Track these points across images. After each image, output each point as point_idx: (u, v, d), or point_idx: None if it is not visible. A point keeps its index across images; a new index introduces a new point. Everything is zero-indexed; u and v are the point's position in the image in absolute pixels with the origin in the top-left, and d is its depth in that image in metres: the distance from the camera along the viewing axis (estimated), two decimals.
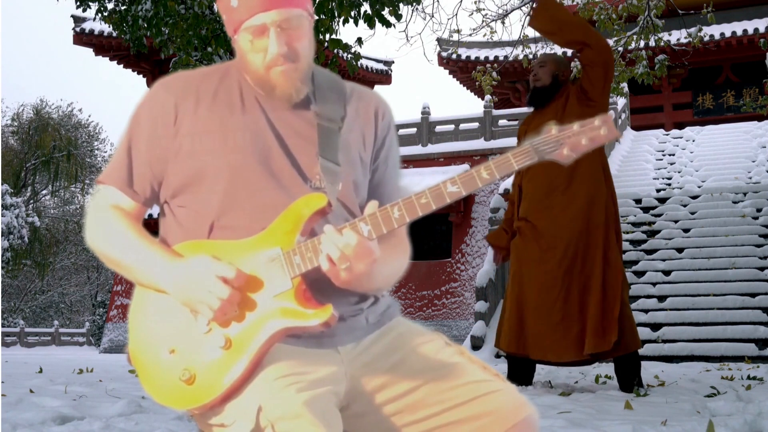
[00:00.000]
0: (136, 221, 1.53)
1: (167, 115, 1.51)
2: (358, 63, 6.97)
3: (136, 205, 1.54)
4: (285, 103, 1.52)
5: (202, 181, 1.48)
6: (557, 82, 5.10)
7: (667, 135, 18.55)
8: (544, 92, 5.09)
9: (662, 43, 9.58)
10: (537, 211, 4.99)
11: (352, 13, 6.67)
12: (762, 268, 10.40)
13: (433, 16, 9.92)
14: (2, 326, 31.92)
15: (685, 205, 13.00)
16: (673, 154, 16.92)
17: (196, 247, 1.45)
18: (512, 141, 15.87)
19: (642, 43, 9.82)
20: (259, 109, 1.52)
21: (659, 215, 12.80)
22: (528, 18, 9.88)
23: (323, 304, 1.37)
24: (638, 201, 13.43)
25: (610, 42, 9.66)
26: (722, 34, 20.99)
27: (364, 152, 1.59)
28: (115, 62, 21.56)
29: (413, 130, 18.72)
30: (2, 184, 29.67)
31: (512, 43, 12.32)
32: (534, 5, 5.30)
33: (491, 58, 21.38)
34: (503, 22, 10.10)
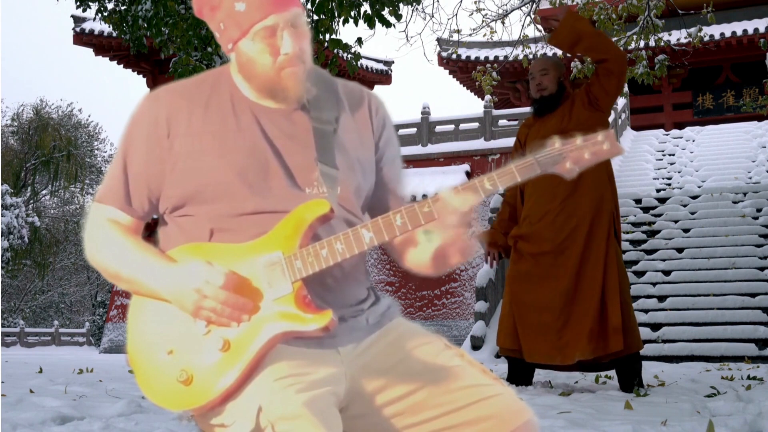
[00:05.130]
0: (135, 234, 1.52)
1: (160, 129, 1.49)
2: (358, 63, 6.96)
3: (134, 220, 1.54)
4: (286, 106, 1.51)
5: (202, 193, 1.46)
6: (562, 87, 5.03)
7: (667, 135, 18.55)
8: (552, 100, 4.99)
9: (662, 43, 9.57)
10: (541, 215, 4.95)
11: (352, 13, 6.66)
12: (762, 268, 10.39)
13: (433, 16, 9.93)
14: (2, 326, 31.93)
15: (685, 205, 13.00)
16: (673, 154, 16.93)
17: (194, 251, 1.44)
18: (512, 141, 15.84)
19: (642, 43, 9.81)
20: (252, 117, 1.50)
21: (659, 215, 12.79)
22: (530, 20, 9.88)
23: (323, 309, 1.36)
24: (638, 201, 13.42)
25: None
26: (722, 34, 20.99)
27: (362, 152, 1.57)
28: (115, 62, 21.58)
29: (413, 130, 18.72)
30: (2, 184, 29.68)
31: (512, 43, 12.31)
32: (536, 12, 5.26)
33: (491, 58, 21.37)
34: (503, 22, 10.11)
